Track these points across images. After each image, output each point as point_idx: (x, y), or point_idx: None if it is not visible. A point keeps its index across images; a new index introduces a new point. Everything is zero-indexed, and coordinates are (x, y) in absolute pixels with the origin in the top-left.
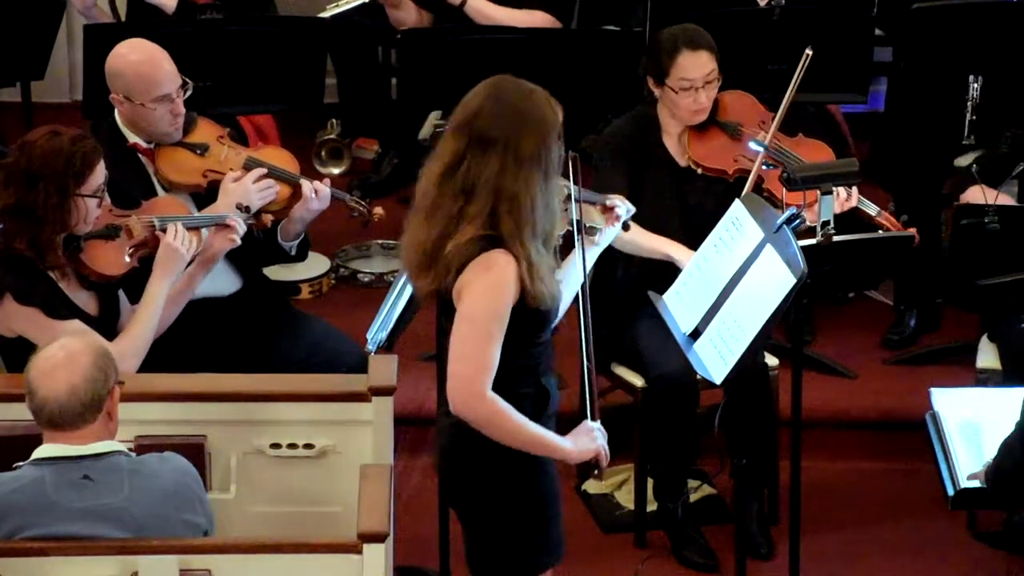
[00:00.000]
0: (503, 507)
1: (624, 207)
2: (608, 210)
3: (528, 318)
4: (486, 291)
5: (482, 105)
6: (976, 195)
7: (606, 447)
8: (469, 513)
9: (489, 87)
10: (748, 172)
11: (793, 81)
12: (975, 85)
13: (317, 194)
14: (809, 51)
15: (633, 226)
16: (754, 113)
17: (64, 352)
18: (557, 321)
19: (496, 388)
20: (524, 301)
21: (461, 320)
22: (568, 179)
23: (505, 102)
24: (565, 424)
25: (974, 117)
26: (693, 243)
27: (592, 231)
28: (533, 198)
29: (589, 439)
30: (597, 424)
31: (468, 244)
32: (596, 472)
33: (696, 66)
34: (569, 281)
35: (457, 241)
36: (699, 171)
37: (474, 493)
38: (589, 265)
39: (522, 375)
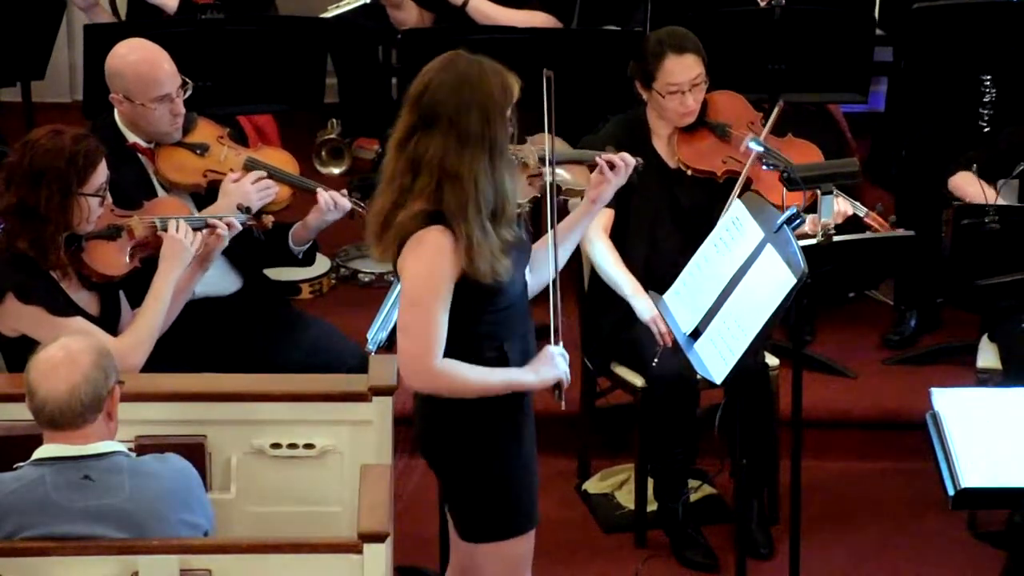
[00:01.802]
0: (469, 469)
1: (623, 161)
2: (594, 168)
3: (475, 290)
4: (420, 269)
5: (431, 81)
6: (958, 183)
7: (567, 371)
8: (442, 472)
9: (442, 63)
10: (737, 173)
11: (768, 124)
12: (988, 86)
13: (336, 206)
14: (782, 103)
15: (611, 256)
16: (744, 114)
17: (64, 352)
18: (553, 276)
19: (457, 355)
20: (466, 276)
21: (403, 298)
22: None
23: (453, 79)
24: (565, 424)
25: (989, 116)
26: (686, 243)
27: (573, 194)
28: (476, 177)
29: (550, 366)
30: (559, 349)
31: (412, 218)
32: (557, 397)
33: (682, 70)
34: (563, 246)
35: (405, 214)
36: (689, 172)
37: (444, 454)
38: (584, 227)
39: (480, 341)
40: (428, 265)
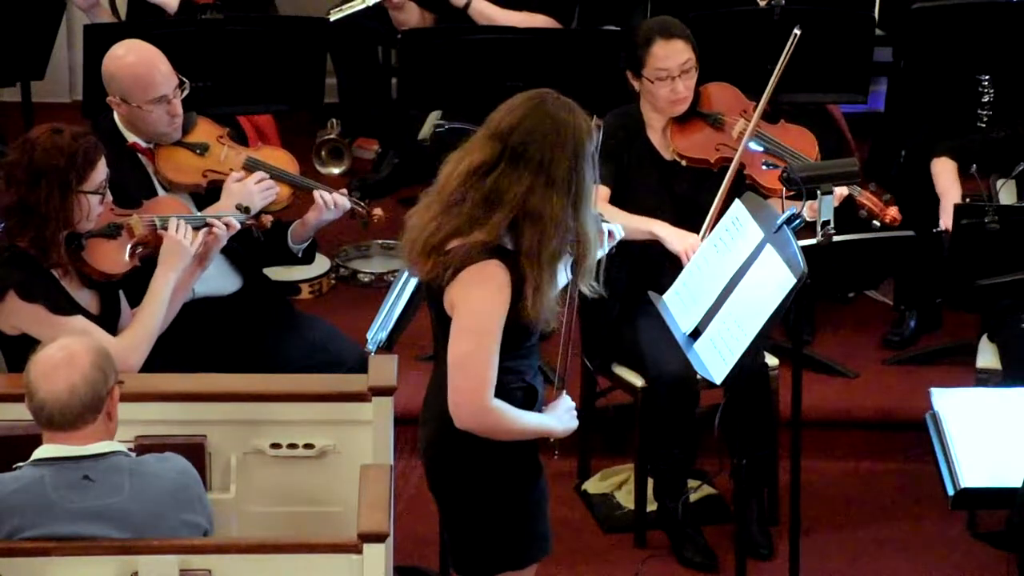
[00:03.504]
0: (489, 500)
1: (618, 229)
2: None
3: (518, 328)
4: (484, 305)
5: (523, 118)
6: (936, 168)
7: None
8: (454, 505)
9: (534, 101)
10: (731, 161)
11: (781, 59)
12: (987, 86)
13: (336, 206)
14: (798, 31)
15: (617, 209)
16: (736, 103)
17: (64, 352)
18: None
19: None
20: (518, 314)
21: (461, 333)
22: None
23: (547, 121)
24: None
25: (988, 116)
26: None
27: None
28: (557, 221)
29: (570, 415)
30: (570, 400)
31: (473, 248)
32: (553, 445)
33: (671, 55)
34: None
35: (465, 241)
36: (683, 163)
37: (460, 486)
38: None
39: (507, 376)
40: (491, 302)
